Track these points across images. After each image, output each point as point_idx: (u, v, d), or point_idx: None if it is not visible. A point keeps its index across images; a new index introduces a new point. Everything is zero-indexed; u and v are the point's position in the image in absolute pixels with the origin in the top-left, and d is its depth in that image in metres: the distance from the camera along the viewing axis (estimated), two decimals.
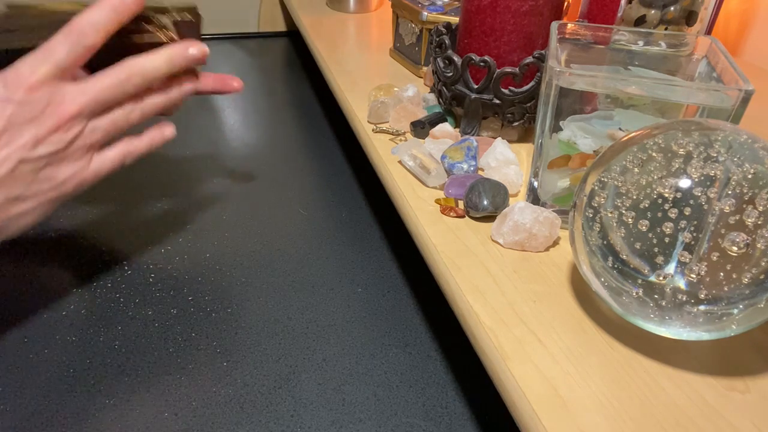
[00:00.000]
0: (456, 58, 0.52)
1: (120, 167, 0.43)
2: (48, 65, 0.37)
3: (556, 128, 0.41)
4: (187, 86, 0.45)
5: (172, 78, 0.43)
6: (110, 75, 0.39)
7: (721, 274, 0.29)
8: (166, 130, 0.46)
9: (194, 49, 0.42)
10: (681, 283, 0.29)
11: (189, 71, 0.45)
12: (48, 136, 0.37)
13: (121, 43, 0.41)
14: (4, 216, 0.38)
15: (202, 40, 0.44)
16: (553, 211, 0.43)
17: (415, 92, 0.61)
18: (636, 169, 0.31)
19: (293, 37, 1.19)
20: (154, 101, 0.43)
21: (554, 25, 0.44)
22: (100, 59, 0.39)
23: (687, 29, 0.58)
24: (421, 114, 0.58)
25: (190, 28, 0.46)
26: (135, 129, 0.43)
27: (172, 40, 0.44)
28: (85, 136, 0.39)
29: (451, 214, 0.46)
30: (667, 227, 0.29)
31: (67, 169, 0.40)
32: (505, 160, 0.49)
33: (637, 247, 0.30)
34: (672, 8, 0.57)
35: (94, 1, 0.38)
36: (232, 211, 0.65)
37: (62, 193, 0.40)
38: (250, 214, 0.65)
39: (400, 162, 0.52)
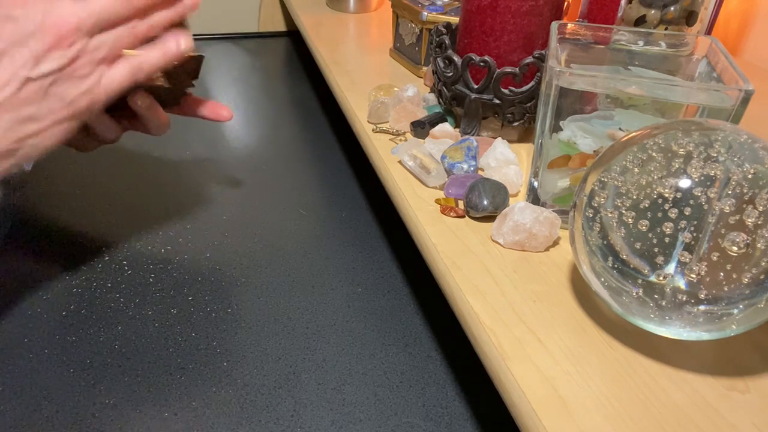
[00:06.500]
0: (456, 58, 0.52)
1: (133, 84, 0.42)
2: None
3: (556, 128, 0.41)
4: (189, 1, 0.43)
5: None
6: None
7: (721, 274, 0.29)
8: (182, 39, 0.43)
9: None
10: (681, 283, 0.29)
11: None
12: (48, 53, 0.37)
13: None
14: (17, 136, 0.38)
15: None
16: (553, 211, 0.43)
17: (415, 92, 0.61)
18: (636, 169, 0.31)
19: (293, 37, 1.19)
20: (161, 15, 0.41)
21: (554, 25, 0.44)
22: None
23: (687, 29, 0.58)
24: (421, 114, 0.58)
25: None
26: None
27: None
28: (89, 53, 0.38)
29: (451, 214, 0.45)
30: (667, 227, 0.29)
31: (77, 86, 0.39)
32: (505, 160, 0.49)
33: (637, 247, 0.30)
34: (672, 8, 0.57)
35: None
36: (232, 211, 0.65)
37: (75, 111, 0.40)
38: (250, 214, 0.65)
39: (400, 162, 0.52)
